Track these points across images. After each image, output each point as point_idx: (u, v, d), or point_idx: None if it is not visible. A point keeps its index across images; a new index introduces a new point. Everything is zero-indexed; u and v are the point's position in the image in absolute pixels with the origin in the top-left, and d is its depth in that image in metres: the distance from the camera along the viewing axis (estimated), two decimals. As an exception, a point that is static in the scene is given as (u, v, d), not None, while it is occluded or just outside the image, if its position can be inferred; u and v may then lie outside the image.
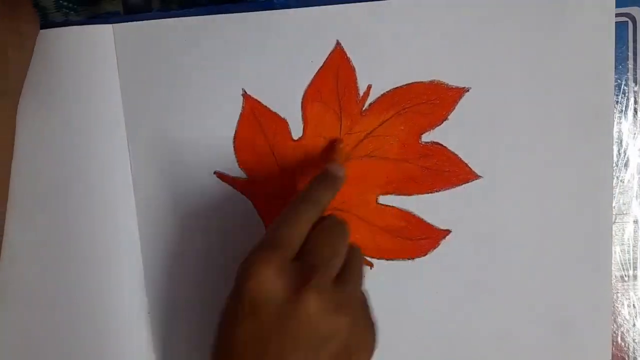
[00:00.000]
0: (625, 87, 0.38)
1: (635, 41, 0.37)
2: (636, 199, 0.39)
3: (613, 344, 0.39)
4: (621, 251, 0.39)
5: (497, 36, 0.37)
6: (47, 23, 0.39)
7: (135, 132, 0.39)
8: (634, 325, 0.40)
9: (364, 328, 0.30)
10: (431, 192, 0.39)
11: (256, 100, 0.38)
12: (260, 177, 0.39)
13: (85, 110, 0.38)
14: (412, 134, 0.38)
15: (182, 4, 0.45)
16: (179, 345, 0.40)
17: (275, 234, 0.30)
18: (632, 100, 0.38)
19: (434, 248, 0.39)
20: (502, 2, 0.37)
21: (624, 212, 0.39)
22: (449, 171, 0.38)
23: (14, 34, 0.36)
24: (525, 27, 0.37)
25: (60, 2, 0.44)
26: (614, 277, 0.39)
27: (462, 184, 0.38)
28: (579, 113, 0.38)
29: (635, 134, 0.38)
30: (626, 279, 0.39)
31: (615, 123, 0.38)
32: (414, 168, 0.38)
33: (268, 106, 0.38)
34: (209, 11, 0.38)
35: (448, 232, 0.39)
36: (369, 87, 0.38)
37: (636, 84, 0.38)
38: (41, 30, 0.38)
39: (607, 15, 0.37)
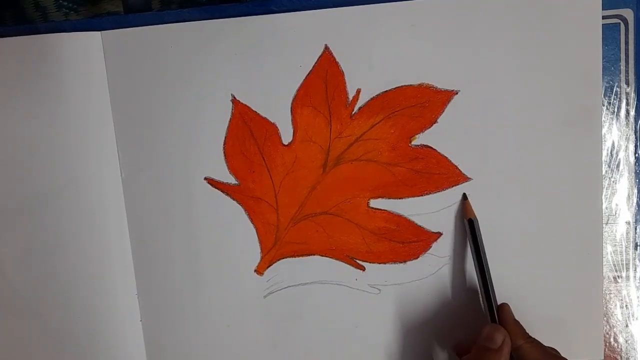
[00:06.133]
0: (617, 89, 0.37)
1: (626, 43, 0.37)
2: (628, 200, 0.39)
3: (606, 345, 0.39)
4: (613, 252, 0.39)
5: (485, 39, 0.37)
6: (41, 26, 0.39)
7: (125, 139, 0.39)
8: (627, 326, 0.39)
9: None
10: (421, 195, 0.39)
11: (245, 105, 0.38)
12: (250, 182, 0.39)
13: (74, 117, 0.38)
14: (401, 137, 0.38)
15: (182, 4, 0.45)
16: (171, 352, 0.40)
17: None
18: (624, 101, 0.38)
19: (426, 251, 0.39)
20: (490, 6, 0.37)
21: (617, 214, 0.39)
22: (439, 174, 0.38)
23: None
24: (513, 30, 0.37)
25: (61, 1, 0.44)
26: (606, 278, 0.39)
27: (452, 187, 0.38)
28: (568, 114, 0.37)
29: (627, 135, 0.38)
30: (619, 280, 0.39)
31: (607, 124, 0.38)
32: (404, 171, 0.38)
33: (257, 111, 0.38)
34: (207, 11, 0.38)
35: (439, 234, 0.39)
36: (358, 91, 0.38)
37: (628, 86, 0.37)
38: (30, 37, 0.38)
39: (594, 16, 0.36)
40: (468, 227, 0.38)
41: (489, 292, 0.37)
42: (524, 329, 0.36)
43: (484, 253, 0.37)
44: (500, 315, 0.36)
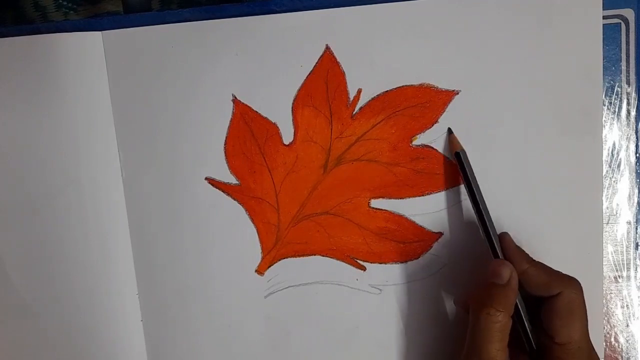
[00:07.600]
0: (618, 89, 0.37)
1: (627, 43, 0.37)
2: (629, 199, 0.39)
3: (607, 345, 0.39)
4: (614, 252, 0.39)
5: (486, 39, 0.37)
6: (42, 26, 0.39)
7: (125, 139, 0.39)
8: (627, 325, 0.40)
9: None
10: (422, 195, 0.39)
11: (246, 105, 0.38)
12: (251, 182, 0.39)
13: (74, 117, 0.38)
14: (402, 137, 0.38)
15: (182, 4, 0.45)
16: (172, 352, 0.40)
17: None
18: (624, 101, 0.38)
19: (426, 251, 0.39)
20: (490, 5, 0.37)
21: (617, 213, 0.39)
22: (439, 174, 0.38)
23: None
24: (514, 29, 0.37)
25: (60, 1, 0.44)
26: (607, 278, 0.39)
27: (453, 187, 0.38)
28: (569, 114, 0.37)
29: (628, 135, 0.38)
30: (619, 279, 0.39)
31: (607, 124, 0.38)
32: (405, 171, 0.38)
33: (258, 111, 0.38)
34: (208, 11, 0.38)
35: (440, 234, 0.39)
36: (359, 91, 0.38)
37: (629, 86, 0.37)
38: (30, 37, 0.38)
39: (594, 15, 0.36)
40: (456, 161, 0.37)
41: (487, 225, 0.36)
42: (527, 254, 0.36)
43: (477, 186, 0.36)
44: (501, 245, 0.36)
